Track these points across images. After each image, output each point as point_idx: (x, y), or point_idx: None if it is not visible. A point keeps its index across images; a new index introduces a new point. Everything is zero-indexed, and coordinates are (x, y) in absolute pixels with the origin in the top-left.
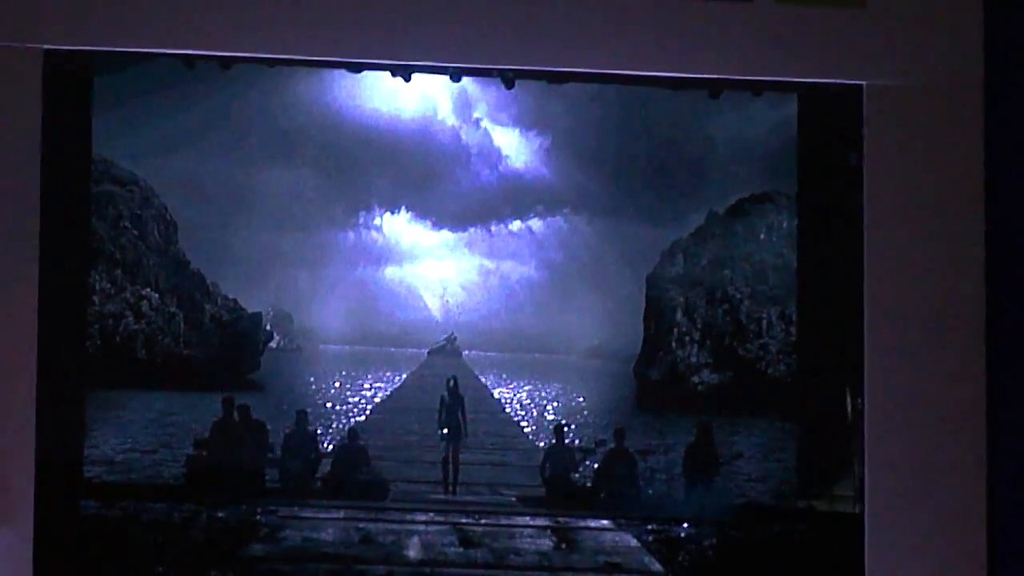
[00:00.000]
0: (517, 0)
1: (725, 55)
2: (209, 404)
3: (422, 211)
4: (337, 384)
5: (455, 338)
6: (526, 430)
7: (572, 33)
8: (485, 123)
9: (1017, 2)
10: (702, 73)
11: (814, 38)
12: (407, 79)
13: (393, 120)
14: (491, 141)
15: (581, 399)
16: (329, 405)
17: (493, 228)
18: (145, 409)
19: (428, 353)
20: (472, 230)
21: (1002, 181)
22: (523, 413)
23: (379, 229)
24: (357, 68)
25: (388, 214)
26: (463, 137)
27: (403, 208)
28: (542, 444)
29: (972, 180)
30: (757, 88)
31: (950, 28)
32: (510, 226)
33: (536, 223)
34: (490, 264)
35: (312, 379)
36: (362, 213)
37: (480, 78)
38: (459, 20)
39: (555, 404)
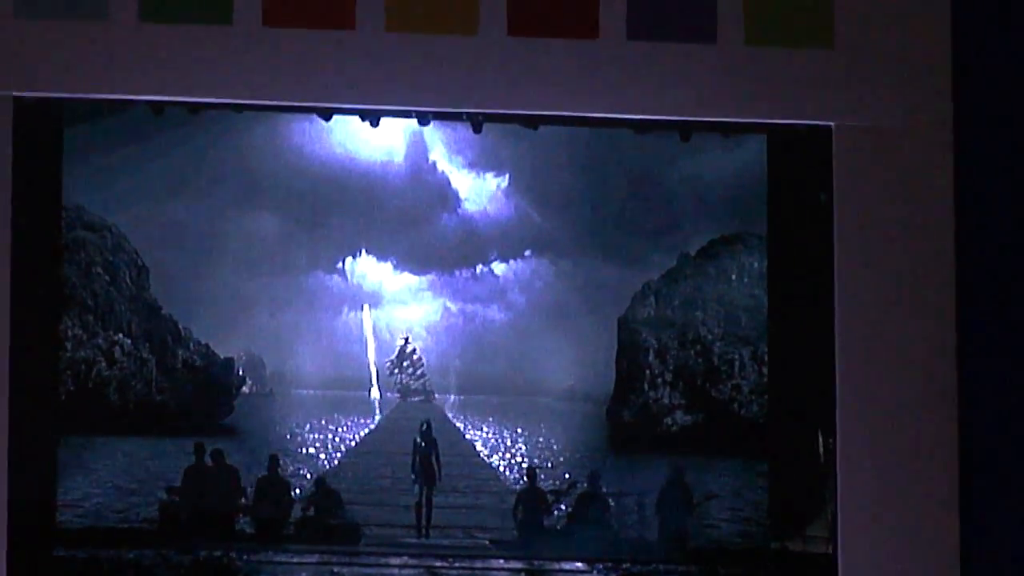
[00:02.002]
0: (485, 44)
1: (693, 97)
2: (181, 450)
3: (385, 255)
4: (310, 429)
5: (431, 384)
6: (498, 473)
7: (541, 77)
8: (444, 166)
9: (985, 41)
10: (670, 115)
11: (783, 79)
12: (375, 124)
13: (362, 164)
14: (451, 184)
15: (553, 441)
16: (302, 450)
17: (456, 272)
18: (117, 455)
19: (401, 398)
20: (433, 275)
21: (972, 222)
22: (495, 456)
23: (347, 273)
24: (326, 113)
25: (353, 258)
26: (429, 180)
27: (365, 252)
28: (515, 486)
29: (942, 220)
30: (726, 129)
31: (919, 69)
32: (468, 270)
33: (500, 266)
34: (453, 306)
35: (285, 424)
36: (333, 258)
37: (445, 122)
38: (427, 64)
39: (527, 446)
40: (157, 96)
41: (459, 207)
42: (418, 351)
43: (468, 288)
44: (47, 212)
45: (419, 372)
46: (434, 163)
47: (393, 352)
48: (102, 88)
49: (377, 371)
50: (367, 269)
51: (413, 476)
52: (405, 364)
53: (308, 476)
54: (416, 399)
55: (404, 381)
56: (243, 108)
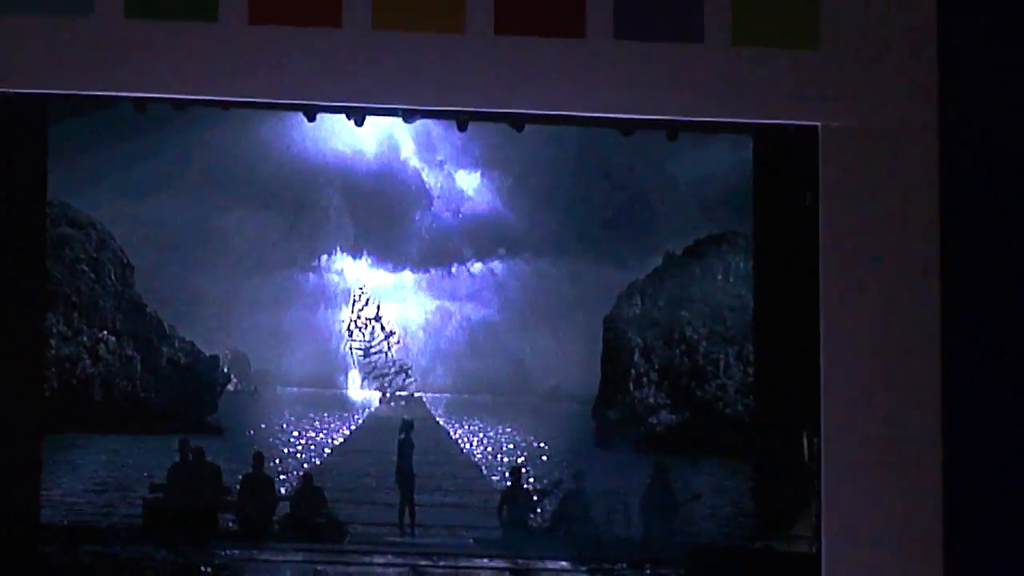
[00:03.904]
0: (472, 43)
1: (680, 97)
2: (166, 447)
3: (362, 252)
4: (294, 427)
5: (414, 381)
6: (484, 472)
7: (528, 76)
8: (422, 164)
9: (971, 43)
10: (657, 115)
11: (769, 80)
12: (360, 123)
13: (352, 162)
14: (426, 182)
15: (539, 440)
16: (286, 448)
17: (434, 269)
18: (102, 452)
19: (384, 397)
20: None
21: (956, 222)
22: (481, 455)
23: (336, 271)
24: (312, 112)
25: (337, 256)
26: (403, 179)
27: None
28: (500, 485)
29: (927, 220)
30: (712, 129)
31: (905, 70)
32: (458, 268)
33: (477, 266)
34: (431, 305)
35: (269, 422)
36: (315, 255)
37: (438, 120)
38: (413, 63)
39: (513, 445)
40: (142, 93)
41: (434, 205)
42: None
43: (445, 286)
44: (32, 209)
45: (403, 368)
46: (407, 160)
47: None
48: (87, 84)
49: (359, 367)
50: (345, 267)
51: (397, 474)
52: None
53: (293, 474)
54: (398, 396)
55: (386, 378)
56: (229, 105)
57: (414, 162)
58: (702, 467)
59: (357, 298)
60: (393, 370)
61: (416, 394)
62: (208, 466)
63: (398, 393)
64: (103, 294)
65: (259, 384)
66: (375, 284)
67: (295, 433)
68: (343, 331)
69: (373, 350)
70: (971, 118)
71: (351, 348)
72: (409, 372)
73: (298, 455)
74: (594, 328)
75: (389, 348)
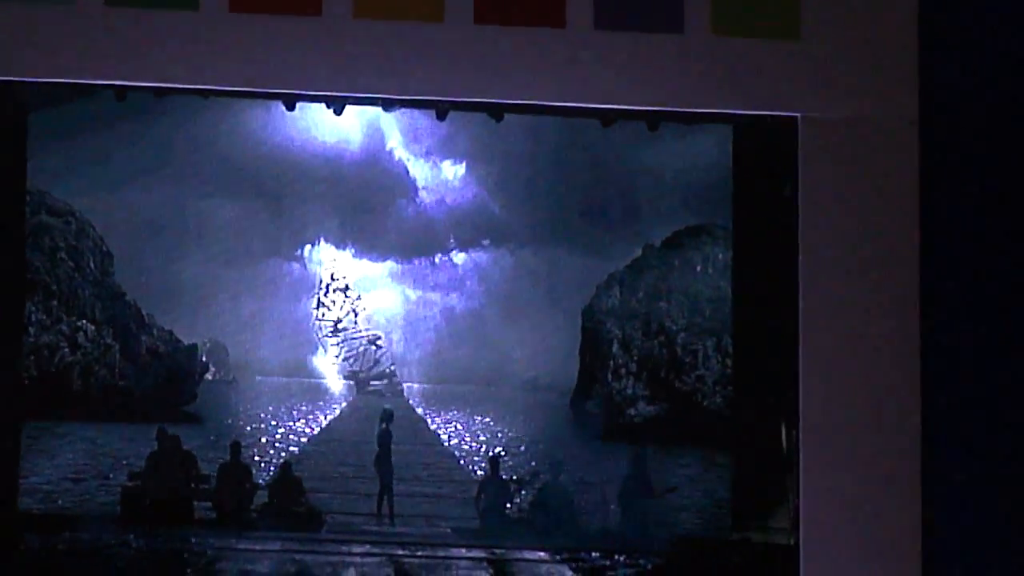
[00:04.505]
0: (451, 32)
1: (660, 87)
2: (145, 435)
3: (344, 242)
4: (273, 416)
5: (393, 371)
6: (461, 462)
7: (507, 66)
8: (402, 153)
9: (951, 35)
10: (637, 105)
11: (749, 70)
12: (339, 112)
13: (336, 152)
14: (408, 172)
15: (517, 431)
16: (264, 438)
17: (415, 260)
18: (80, 440)
19: (362, 386)
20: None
21: (936, 212)
22: (459, 444)
23: (317, 261)
24: (291, 101)
25: (312, 246)
26: (381, 168)
27: (327, 240)
28: (478, 475)
29: (906, 211)
30: (692, 120)
31: (885, 61)
32: (441, 258)
33: (458, 255)
34: (413, 295)
35: (248, 411)
36: (294, 244)
37: (405, 109)
38: (393, 51)
39: (491, 435)
40: (123, 81)
41: (417, 195)
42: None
43: (427, 276)
44: (11, 197)
45: (381, 359)
46: (392, 150)
47: (362, 341)
48: (67, 72)
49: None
50: (325, 257)
51: (375, 464)
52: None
53: (271, 463)
54: (377, 388)
55: (365, 368)
56: (209, 94)
57: (399, 152)
58: (680, 458)
59: (326, 275)
60: (363, 344)
61: (393, 377)
62: (184, 454)
63: (372, 373)
64: (82, 283)
65: (237, 373)
66: (358, 275)
67: (273, 422)
68: (312, 308)
69: (342, 325)
70: (951, 109)
71: (319, 323)
72: (379, 344)
73: (276, 444)
74: (573, 319)
75: (356, 319)
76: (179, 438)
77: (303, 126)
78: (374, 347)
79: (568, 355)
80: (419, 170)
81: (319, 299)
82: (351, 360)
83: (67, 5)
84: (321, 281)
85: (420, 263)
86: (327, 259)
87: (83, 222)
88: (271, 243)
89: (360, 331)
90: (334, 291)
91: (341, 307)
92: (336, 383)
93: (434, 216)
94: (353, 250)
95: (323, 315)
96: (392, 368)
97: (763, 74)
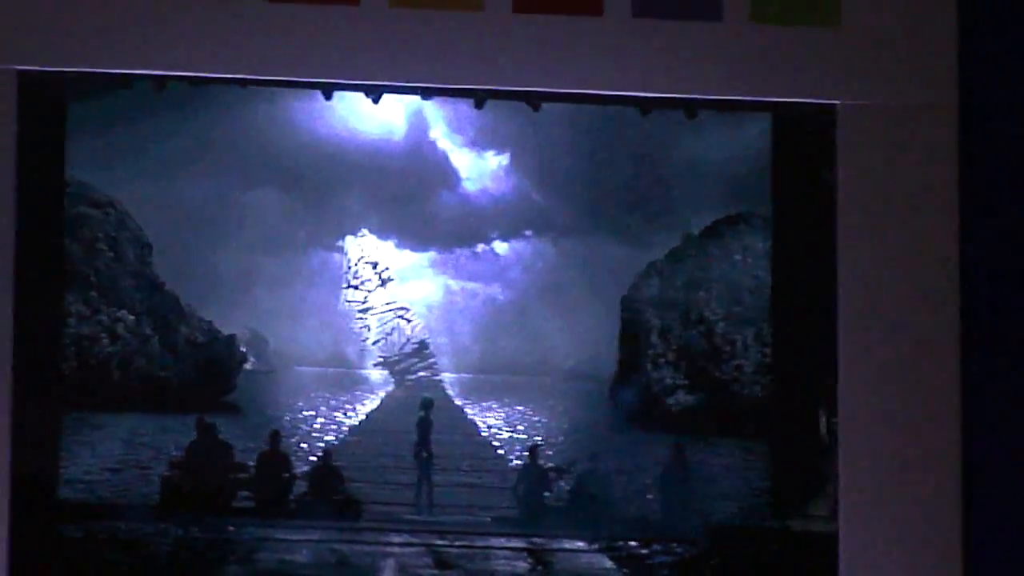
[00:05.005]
0: (490, 21)
1: (698, 75)
2: (184, 426)
3: (387, 232)
4: (312, 406)
5: (426, 343)
6: (500, 451)
7: (545, 54)
8: (444, 143)
9: (991, 21)
10: (675, 93)
11: (788, 57)
12: (376, 100)
13: (377, 142)
14: (450, 161)
15: (556, 420)
16: (303, 427)
17: (457, 250)
18: (120, 430)
19: (401, 375)
20: (434, 252)
21: (976, 201)
22: (497, 434)
23: (358, 251)
24: (328, 90)
25: (353, 236)
26: (423, 158)
27: (368, 230)
28: (516, 464)
29: (946, 200)
30: (731, 108)
31: (924, 47)
32: (477, 249)
33: (500, 245)
34: (455, 285)
35: (287, 401)
36: (334, 234)
37: (446, 99)
38: (429, 40)
39: (529, 425)
40: (161, 71)
41: (460, 185)
42: (420, 325)
43: (469, 267)
44: (50, 188)
45: (422, 349)
46: (434, 141)
47: (397, 330)
48: (106, 62)
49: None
50: (367, 246)
51: (415, 453)
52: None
53: (310, 452)
54: (417, 377)
55: (405, 358)
56: (248, 83)
57: (441, 142)
58: (719, 447)
59: (355, 254)
60: (393, 319)
61: (434, 374)
62: (220, 444)
63: (404, 352)
64: (121, 273)
65: (277, 364)
66: (400, 264)
67: (313, 412)
68: (344, 290)
69: (367, 304)
70: (991, 95)
71: (348, 303)
72: (408, 317)
73: (316, 434)
74: (612, 308)
75: (385, 294)
76: (215, 426)
77: (345, 116)
78: (404, 321)
79: (607, 344)
80: (461, 160)
81: (348, 280)
82: (382, 340)
83: None
84: (350, 261)
85: (462, 253)
86: (369, 249)
87: (122, 212)
88: (312, 233)
89: (389, 305)
90: (363, 264)
91: (369, 282)
92: (377, 374)
93: (476, 206)
94: (395, 240)
95: (352, 296)
96: (425, 340)
97: (802, 61)
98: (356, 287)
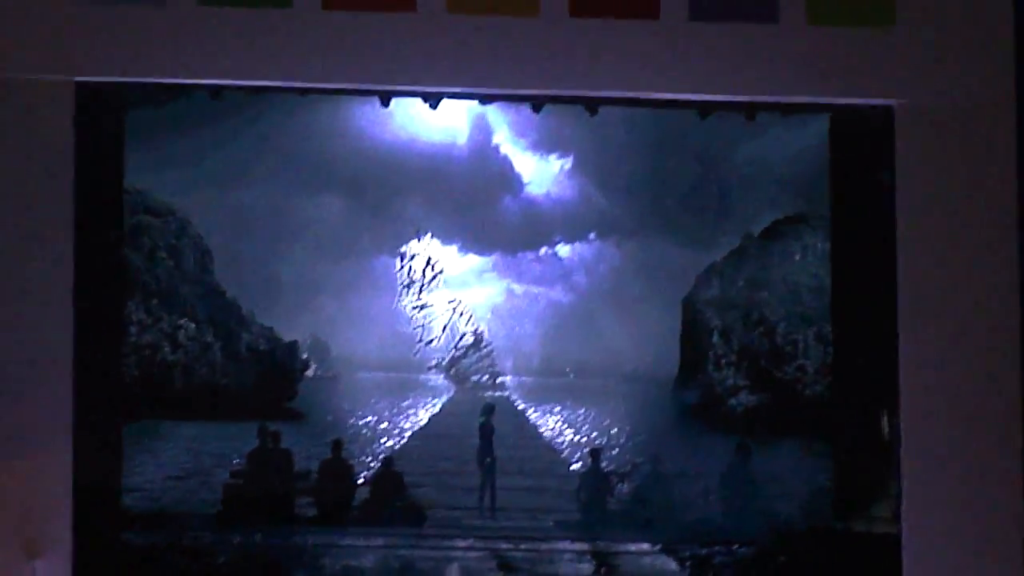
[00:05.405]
0: (547, 25)
1: (755, 78)
2: (246, 433)
3: (450, 237)
4: (374, 411)
5: (482, 335)
6: (563, 455)
7: (601, 57)
8: (508, 148)
9: None
10: (732, 96)
11: (844, 58)
12: (434, 106)
13: (425, 146)
14: (514, 166)
15: (618, 423)
16: (365, 432)
17: (520, 254)
18: (182, 438)
19: (459, 378)
20: (498, 255)
21: None
22: (559, 437)
23: (410, 257)
24: (386, 97)
25: (418, 240)
26: (487, 163)
27: (431, 235)
28: (579, 468)
29: (1004, 197)
30: (789, 110)
31: (981, 47)
32: (540, 251)
33: (563, 248)
34: (518, 289)
35: (349, 407)
36: (396, 240)
37: (505, 103)
38: (486, 46)
39: (591, 427)
40: (218, 80)
41: (523, 190)
42: (481, 329)
43: (532, 270)
44: (110, 197)
45: (483, 353)
46: (497, 145)
47: (458, 335)
48: (163, 72)
49: (451, 359)
50: (431, 252)
51: (478, 458)
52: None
53: (372, 459)
54: (479, 381)
55: (466, 362)
56: (307, 91)
57: (504, 147)
58: (781, 448)
59: (417, 260)
60: (448, 313)
61: (496, 378)
62: (282, 452)
63: (478, 378)
64: (182, 281)
65: (339, 369)
66: (463, 269)
67: (375, 418)
68: (407, 295)
69: (430, 309)
70: None
71: (411, 309)
72: (462, 311)
73: (378, 440)
74: (673, 310)
75: (484, 355)
76: (278, 434)
77: (406, 122)
78: (459, 315)
79: (669, 346)
80: (524, 164)
81: (410, 285)
82: (444, 346)
83: (162, 6)
84: (413, 267)
85: (525, 257)
86: (431, 254)
87: (182, 220)
88: (374, 239)
89: (451, 307)
90: (425, 270)
91: (432, 287)
92: (437, 377)
93: (539, 210)
94: (458, 244)
95: (414, 301)
96: (488, 344)
97: (859, 62)
98: (419, 292)
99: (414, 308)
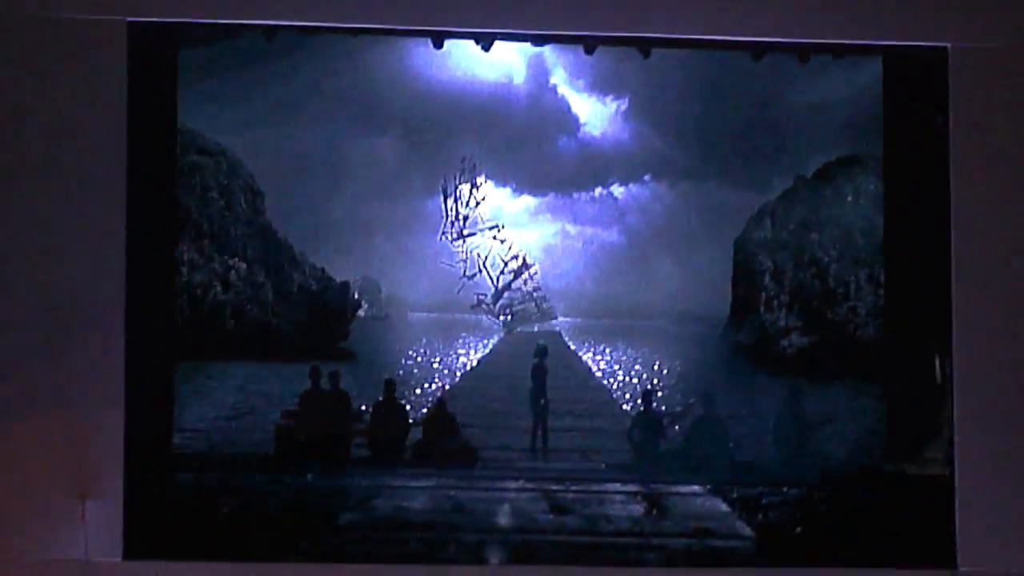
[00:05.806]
0: None
1: (809, 20)
2: (297, 373)
3: (504, 178)
4: (426, 352)
5: (526, 260)
6: (615, 396)
7: (657, 1)
8: (564, 89)
9: None
10: (787, 38)
11: (898, 1)
12: (487, 48)
13: (480, 88)
14: (570, 107)
15: (670, 364)
16: (417, 372)
17: (575, 194)
18: (233, 379)
19: (512, 319)
20: (553, 196)
21: None
22: (611, 378)
23: (462, 197)
24: (439, 38)
25: (470, 183)
26: (548, 104)
27: (486, 176)
28: (631, 409)
29: None
30: (842, 52)
31: None
32: (595, 192)
33: (618, 189)
34: (572, 229)
35: (400, 347)
36: (445, 181)
37: (559, 45)
38: None
39: (643, 369)
40: (271, 20)
41: (579, 130)
42: (535, 268)
43: (587, 211)
44: (162, 137)
45: (535, 293)
46: (555, 86)
47: (509, 275)
48: (215, 12)
49: (495, 292)
50: (485, 192)
51: (531, 398)
52: (520, 282)
53: (425, 399)
54: (532, 322)
55: (519, 301)
56: (359, 32)
57: (562, 89)
58: (833, 390)
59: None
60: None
61: (549, 318)
62: (339, 393)
63: (531, 318)
64: (234, 221)
65: (390, 310)
66: (517, 209)
67: (427, 358)
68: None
69: (482, 249)
70: None
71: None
72: (503, 238)
73: (430, 380)
74: (726, 251)
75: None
76: (339, 373)
77: (461, 63)
78: (499, 242)
79: (721, 287)
80: (581, 105)
81: (462, 226)
82: (497, 285)
83: None
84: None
85: (580, 197)
86: (485, 195)
87: (234, 161)
88: (427, 181)
89: (503, 249)
90: (479, 210)
91: (485, 227)
92: (488, 318)
93: (595, 150)
94: (512, 186)
95: (466, 242)
96: (541, 284)
97: (913, 4)
98: (472, 233)
99: (471, 253)
